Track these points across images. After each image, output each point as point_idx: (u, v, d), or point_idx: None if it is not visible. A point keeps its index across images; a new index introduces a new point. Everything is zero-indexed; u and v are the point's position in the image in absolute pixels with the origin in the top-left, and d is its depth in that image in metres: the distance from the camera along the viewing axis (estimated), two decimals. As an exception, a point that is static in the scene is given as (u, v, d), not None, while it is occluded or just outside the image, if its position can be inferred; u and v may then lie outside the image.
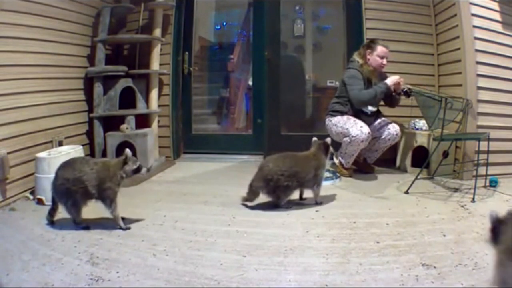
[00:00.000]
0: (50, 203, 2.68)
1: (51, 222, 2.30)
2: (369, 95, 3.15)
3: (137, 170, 2.24)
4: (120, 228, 2.20)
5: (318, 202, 2.65)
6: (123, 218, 2.25)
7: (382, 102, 3.43)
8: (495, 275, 1.18)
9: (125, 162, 2.21)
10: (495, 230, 1.27)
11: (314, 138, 2.68)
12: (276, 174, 2.45)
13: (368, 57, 3.28)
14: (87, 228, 2.21)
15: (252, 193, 2.58)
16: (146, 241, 2.05)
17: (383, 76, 3.39)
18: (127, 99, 3.75)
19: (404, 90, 3.17)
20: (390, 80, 3.15)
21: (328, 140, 2.64)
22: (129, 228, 2.21)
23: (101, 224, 2.25)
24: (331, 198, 2.77)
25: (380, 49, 3.23)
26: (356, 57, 3.36)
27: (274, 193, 2.50)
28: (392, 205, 2.62)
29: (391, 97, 3.33)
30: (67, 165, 2.22)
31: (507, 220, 1.25)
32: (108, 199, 2.18)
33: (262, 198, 2.70)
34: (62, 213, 2.54)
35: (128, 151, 2.24)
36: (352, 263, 1.79)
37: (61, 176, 2.19)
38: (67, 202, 2.19)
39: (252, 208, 2.60)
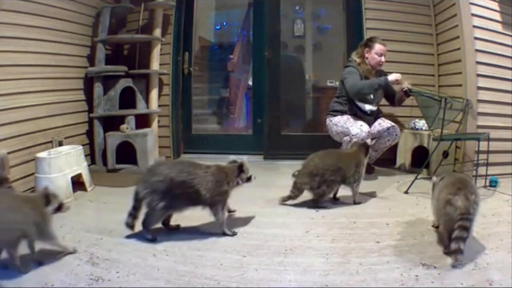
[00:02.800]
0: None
1: (132, 227, 2.11)
2: (364, 84, 3.16)
3: (249, 179, 2.21)
4: (225, 234, 2.11)
5: (356, 202, 2.68)
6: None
7: (384, 101, 3.43)
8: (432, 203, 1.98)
9: (241, 170, 2.16)
10: (434, 186, 2.00)
11: (354, 139, 2.89)
12: (322, 169, 2.53)
13: (367, 55, 3.28)
14: (153, 240, 2.06)
15: (297, 189, 2.61)
16: (146, 241, 2.05)
17: (382, 75, 3.39)
18: (127, 99, 3.75)
19: (404, 89, 3.17)
20: (391, 77, 3.12)
21: (369, 141, 2.77)
22: (235, 234, 2.13)
23: (101, 225, 2.25)
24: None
25: (377, 47, 3.24)
26: (354, 56, 3.37)
27: (319, 188, 2.54)
28: (392, 205, 2.62)
29: (393, 96, 3.35)
30: (171, 165, 2.09)
31: (438, 181, 1.95)
32: (220, 204, 2.09)
33: (262, 198, 2.71)
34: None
35: (235, 158, 2.23)
36: (352, 263, 1.79)
37: (161, 173, 2.01)
38: (158, 203, 2.00)
39: (252, 208, 2.59)
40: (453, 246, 1.52)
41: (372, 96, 3.31)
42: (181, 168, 2.04)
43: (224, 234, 2.11)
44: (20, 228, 1.67)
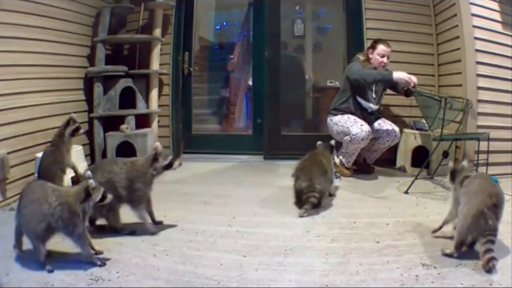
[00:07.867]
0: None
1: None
2: (367, 72, 3.21)
3: (169, 166, 2.09)
4: (148, 231, 2.12)
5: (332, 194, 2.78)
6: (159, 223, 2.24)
7: (385, 101, 3.42)
8: (452, 197, 1.99)
9: (155, 159, 2.05)
10: (452, 174, 1.99)
11: (318, 142, 2.82)
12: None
13: (370, 56, 3.32)
14: (133, 233, 2.12)
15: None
16: (146, 241, 2.05)
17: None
18: (127, 99, 3.75)
19: (405, 89, 3.17)
20: (398, 74, 3.09)
21: (333, 142, 2.81)
22: (154, 234, 2.12)
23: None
24: (331, 198, 2.76)
25: (380, 47, 3.26)
26: (359, 55, 3.41)
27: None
28: (392, 205, 2.62)
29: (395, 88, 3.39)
30: (96, 169, 2.07)
31: (457, 169, 1.99)
32: (136, 201, 2.06)
33: (262, 198, 2.70)
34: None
35: (158, 145, 2.09)
36: (352, 263, 1.79)
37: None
38: (102, 208, 2.01)
39: (252, 208, 2.60)
40: (487, 255, 1.67)
41: (374, 95, 3.31)
42: (104, 168, 2.07)
43: (148, 232, 2.12)
44: (46, 220, 1.69)
